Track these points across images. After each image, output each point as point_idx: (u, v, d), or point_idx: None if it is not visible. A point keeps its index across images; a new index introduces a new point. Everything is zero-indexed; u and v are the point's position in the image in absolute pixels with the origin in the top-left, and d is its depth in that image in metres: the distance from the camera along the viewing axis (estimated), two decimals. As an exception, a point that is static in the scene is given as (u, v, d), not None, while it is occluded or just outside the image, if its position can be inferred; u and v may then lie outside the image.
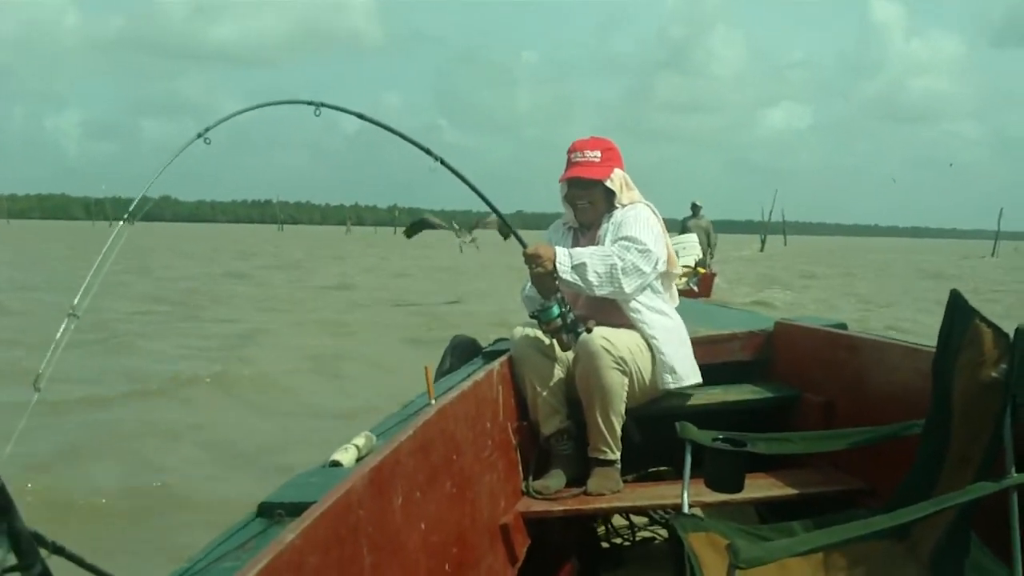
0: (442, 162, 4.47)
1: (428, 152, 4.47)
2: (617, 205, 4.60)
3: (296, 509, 2.37)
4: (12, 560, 1.08)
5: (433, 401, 3.54)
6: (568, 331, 4.29)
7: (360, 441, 3.09)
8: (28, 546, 1.09)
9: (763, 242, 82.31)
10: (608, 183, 4.56)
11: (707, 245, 23.85)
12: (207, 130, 4.08)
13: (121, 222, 3.80)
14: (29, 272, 32.62)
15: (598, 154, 4.58)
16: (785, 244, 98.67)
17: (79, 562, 1.34)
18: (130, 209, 3.87)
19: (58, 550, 1.19)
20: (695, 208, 24.08)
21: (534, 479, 4.31)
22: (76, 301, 3.41)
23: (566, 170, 4.63)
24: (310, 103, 4.34)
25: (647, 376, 4.42)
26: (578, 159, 4.60)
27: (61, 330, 3.27)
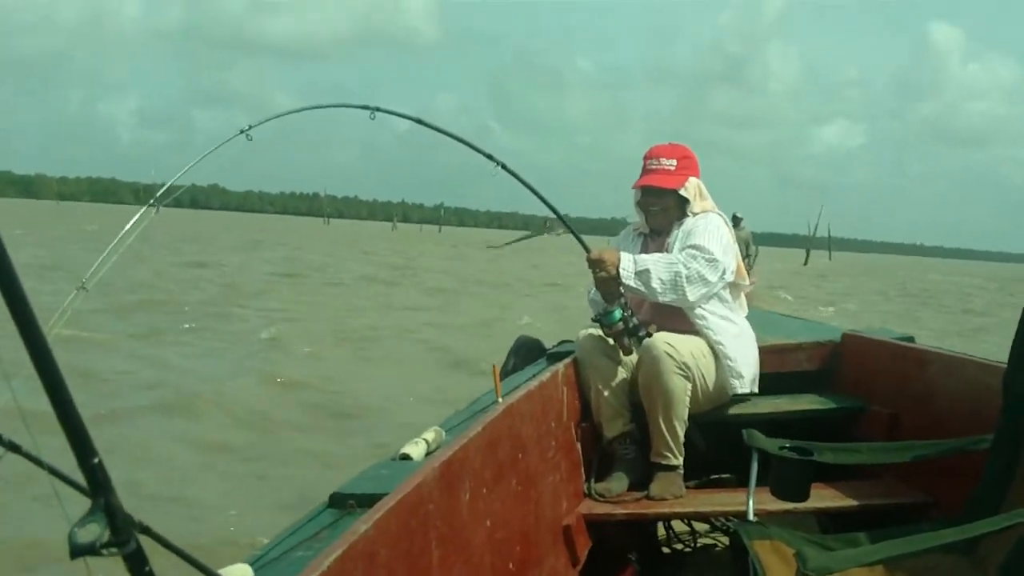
0: (503, 167, 4.48)
1: (490, 157, 4.49)
2: (689, 213, 4.57)
3: (367, 500, 2.39)
4: (107, 536, 1.10)
5: (500, 399, 3.56)
6: (630, 335, 4.29)
7: (429, 436, 3.12)
8: (123, 522, 1.11)
9: (807, 256, 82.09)
10: (682, 191, 4.54)
11: (746, 255, 23.90)
12: (250, 127, 4.13)
13: (145, 208, 3.84)
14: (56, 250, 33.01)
15: (674, 163, 4.56)
16: (830, 259, 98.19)
17: (164, 543, 1.36)
18: (157, 195, 3.91)
19: (144, 530, 1.21)
20: (736, 219, 24.21)
21: (596, 481, 4.31)
22: (87, 275, 3.47)
23: (641, 176, 4.61)
24: (365, 107, 4.35)
25: (711, 382, 4.40)
26: (653, 167, 4.57)
27: (68, 300, 3.33)
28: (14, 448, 1.30)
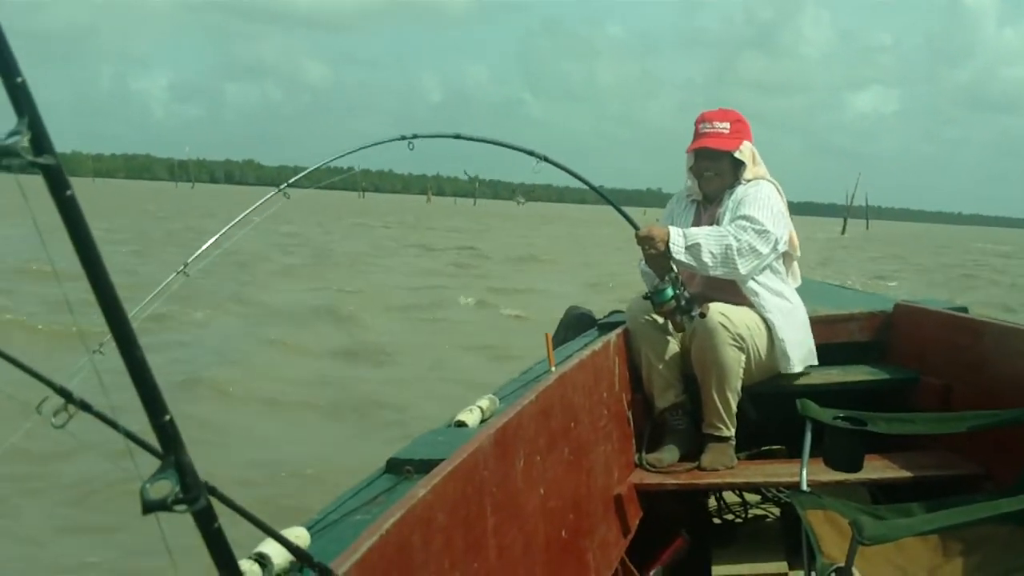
0: (546, 159, 4.48)
1: (531, 153, 4.49)
2: (742, 180, 4.54)
3: (424, 466, 2.41)
4: (178, 493, 1.12)
5: (553, 368, 3.57)
6: (683, 313, 4.28)
7: (484, 403, 3.14)
8: (192, 480, 1.13)
9: (844, 225, 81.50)
10: (737, 154, 4.51)
11: None
12: (288, 185, 4.31)
13: (274, 192, 3.95)
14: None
15: (727, 125, 4.52)
16: (867, 228, 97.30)
17: (230, 504, 1.38)
18: (289, 181, 4.04)
19: (211, 490, 1.22)
20: None
21: (647, 452, 4.33)
22: (190, 260, 3.52)
23: (694, 140, 4.57)
24: (402, 138, 4.39)
25: (764, 355, 4.39)
26: (707, 130, 4.53)
27: (165, 282, 3.39)
28: (85, 407, 1.32)
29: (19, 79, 0.93)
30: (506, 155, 4.55)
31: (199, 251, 3.72)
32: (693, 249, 4.26)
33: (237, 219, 3.78)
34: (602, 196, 4.69)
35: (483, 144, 4.62)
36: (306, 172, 4.38)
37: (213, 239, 3.81)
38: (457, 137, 4.53)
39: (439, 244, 34.85)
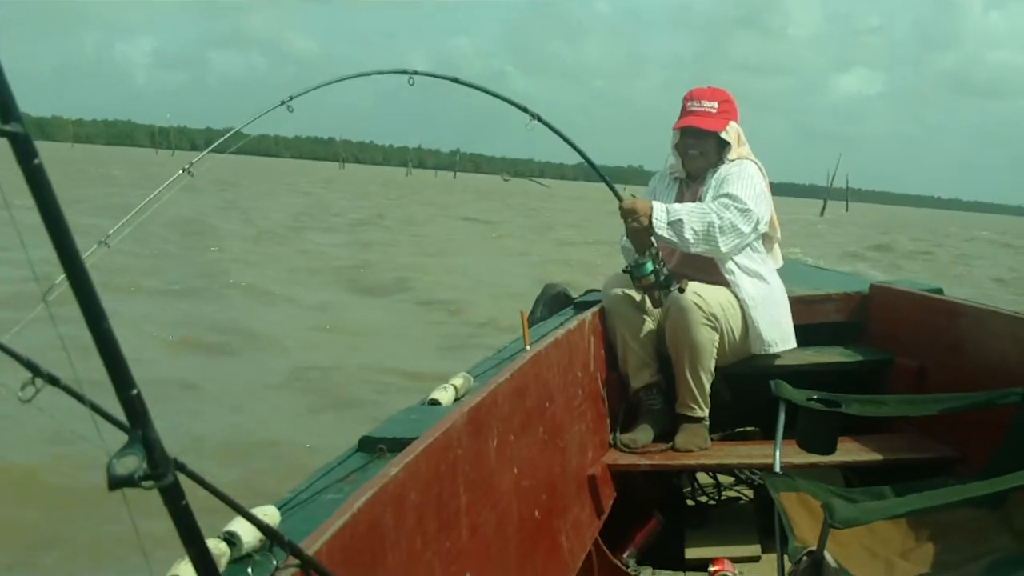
0: (539, 119, 4.43)
1: (524, 110, 4.44)
2: (725, 159, 4.53)
3: (397, 445, 2.40)
4: (145, 469, 1.10)
5: (528, 347, 3.57)
6: (661, 288, 4.26)
7: (458, 381, 3.13)
8: (160, 455, 1.11)
9: (824, 206, 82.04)
10: (723, 135, 4.50)
11: None
12: (291, 98, 4.10)
13: (179, 173, 3.82)
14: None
15: (715, 105, 4.51)
16: (847, 210, 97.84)
17: (198, 480, 1.37)
18: (192, 162, 3.87)
19: (180, 467, 1.21)
20: None
21: (622, 432, 4.33)
22: (111, 232, 3.46)
23: (681, 118, 4.55)
24: (403, 72, 4.33)
25: (738, 335, 4.40)
26: (695, 108, 4.52)
27: (87, 254, 3.34)
28: (53, 381, 1.30)
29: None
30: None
31: (117, 225, 3.63)
32: (675, 225, 4.25)
33: (150, 196, 3.66)
34: (589, 163, 4.63)
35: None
36: (262, 113, 4.16)
37: (129, 215, 3.70)
38: (455, 81, 4.47)
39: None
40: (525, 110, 4.42)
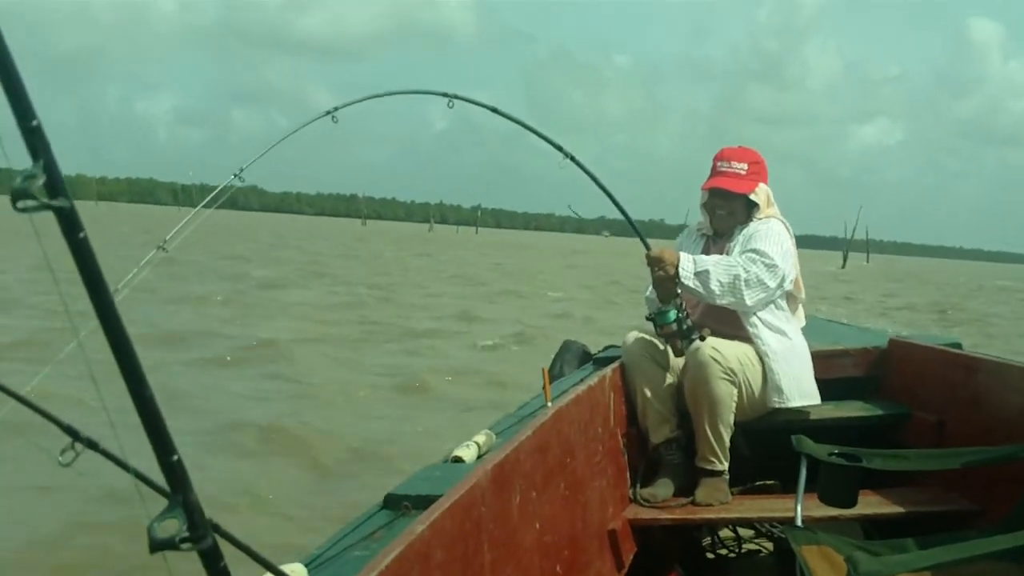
0: (572, 159, 4.45)
1: (560, 148, 4.46)
2: (754, 218, 4.54)
3: (422, 502, 2.42)
4: (185, 532, 1.13)
5: (549, 403, 3.58)
6: (683, 337, 4.27)
7: (481, 439, 3.15)
8: (200, 519, 1.14)
9: (845, 259, 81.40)
10: (752, 196, 4.52)
11: None
12: (336, 109, 4.19)
13: (224, 184, 3.85)
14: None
15: (745, 167, 4.52)
16: (867, 262, 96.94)
17: (234, 541, 1.39)
18: (239, 171, 3.91)
19: (215, 528, 1.23)
20: None
21: (642, 487, 4.32)
22: (168, 237, 3.50)
23: (710, 178, 4.57)
24: (444, 95, 4.37)
25: (757, 390, 4.39)
26: (724, 168, 4.54)
27: (147, 258, 3.38)
28: (92, 445, 1.33)
29: (34, 122, 0.94)
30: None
31: (173, 231, 3.65)
32: (702, 275, 4.25)
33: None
34: (618, 207, 4.61)
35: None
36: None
37: (183, 222, 3.73)
38: (494, 111, 4.52)
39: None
40: (560, 148, 4.46)
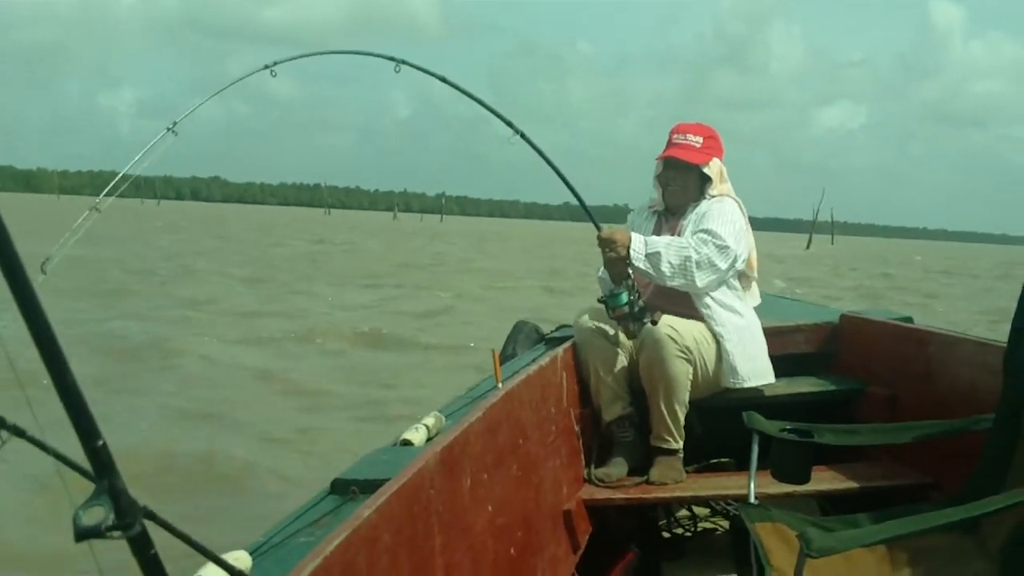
0: (522, 135, 4.41)
1: (509, 124, 4.41)
2: (707, 195, 4.54)
3: (369, 486, 2.39)
4: (112, 519, 1.09)
5: (500, 384, 3.56)
6: (635, 320, 4.26)
7: (430, 421, 3.12)
8: (128, 505, 1.10)
9: (809, 240, 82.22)
10: (705, 169, 4.51)
11: None
12: (275, 63, 4.15)
13: (144, 148, 3.79)
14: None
15: (700, 140, 4.53)
16: (832, 243, 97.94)
17: (168, 527, 1.35)
18: (171, 125, 3.87)
19: (149, 514, 1.20)
20: None
21: (596, 467, 4.31)
22: (100, 198, 3.44)
23: (666, 149, 4.57)
24: (391, 58, 4.30)
25: (712, 368, 4.39)
26: (679, 140, 4.54)
27: (80, 219, 3.31)
28: (19, 432, 1.29)
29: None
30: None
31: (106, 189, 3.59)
32: (653, 257, 4.26)
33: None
34: (569, 187, 4.57)
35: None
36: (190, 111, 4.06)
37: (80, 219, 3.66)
38: (443, 80, 4.45)
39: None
40: (510, 124, 4.41)
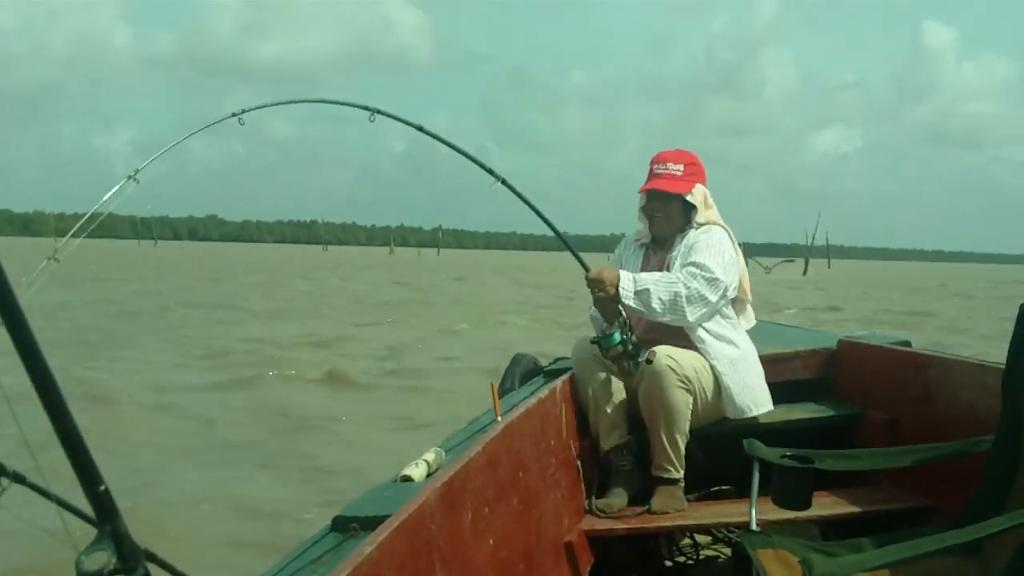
0: (503, 182, 4.42)
1: (490, 172, 4.43)
2: (694, 224, 4.54)
3: (371, 523, 2.39)
4: (115, 563, 1.10)
5: (499, 418, 3.56)
6: (629, 358, 4.26)
7: (430, 456, 3.12)
8: (131, 550, 1.11)
9: (806, 265, 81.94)
10: (689, 198, 4.52)
11: None
12: (243, 112, 4.12)
13: (125, 181, 3.81)
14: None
15: (681, 168, 4.53)
16: (829, 267, 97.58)
17: (171, 570, 1.36)
18: (140, 168, 3.87)
19: (150, 557, 1.21)
20: None
21: (597, 497, 4.30)
22: (59, 246, 3.44)
23: (647, 181, 4.57)
24: (365, 108, 4.28)
25: (711, 398, 4.39)
26: (660, 171, 4.54)
27: (40, 268, 3.32)
28: (19, 479, 1.30)
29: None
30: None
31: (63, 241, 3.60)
32: (642, 294, 4.25)
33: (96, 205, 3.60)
34: (554, 231, 4.60)
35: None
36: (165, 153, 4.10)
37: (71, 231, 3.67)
38: (420, 129, 4.43)
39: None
40: (491, 172, 4.42)
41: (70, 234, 3.68)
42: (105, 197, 3.84)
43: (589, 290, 4.32)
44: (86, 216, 3.77)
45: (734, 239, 4.56)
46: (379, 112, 4.29)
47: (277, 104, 4.35)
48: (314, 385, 13.64)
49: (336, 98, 4.33)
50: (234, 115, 4.14)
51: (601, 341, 4.27)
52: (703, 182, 4.60)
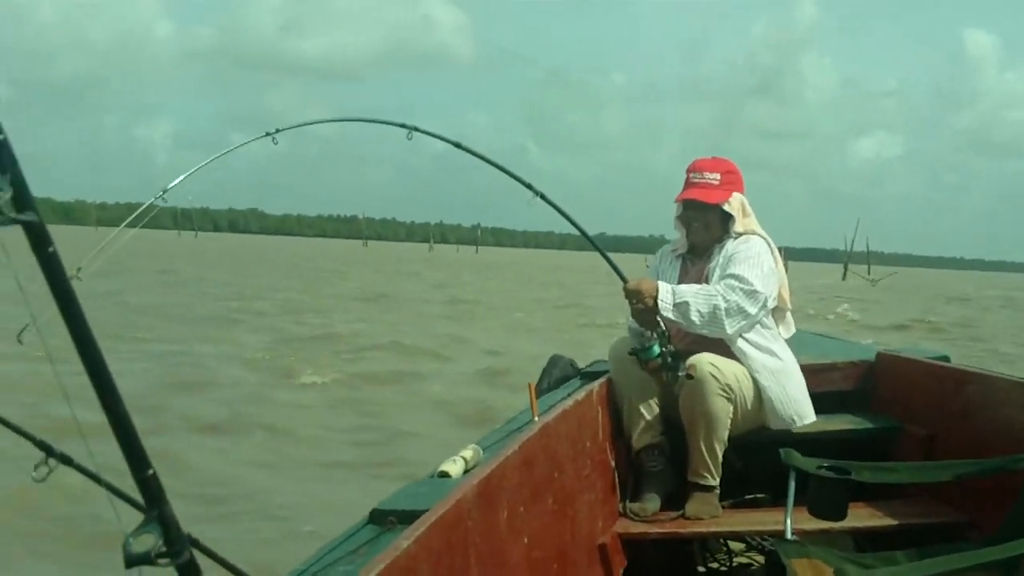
0: (542, 196, 4.39)
1: (528, 186, 4.39)
2: (731, 234, 4.51)
3: (408, 517, 2.40)
4: (161, 547, 1.11)
5: (536, 418, 3.57)
6: (669, 370, 4.23)
7: (468, 453, 3.14)
8: (176, 534, 1.13)
9: (845, 271, 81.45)
10: (726, 207, 4.48)
11: None
12: (277, 131, 4.15)
13: (153, 199, 3.84)
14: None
15: (718, 176, 4.48)
16: (869, 274, 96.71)
17: (213, 556, 1.38)
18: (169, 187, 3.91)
19: (193, 542, 1.22)
20: None
21: (631, 501, 4.30)
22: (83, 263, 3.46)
23: (683, 190, 4.54)
24: (403, 126, 4.27)
25: (751, 408, 4.35)
26: (696, 180, 4.51)
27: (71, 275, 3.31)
28: (66, 461, 1.32)
29: (0, 136, 0.93)
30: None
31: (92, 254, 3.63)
32: (681, 307, 4.22)
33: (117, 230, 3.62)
34: (592, 244, 4.58)
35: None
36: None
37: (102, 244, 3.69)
38: (457, 146, 4.39)
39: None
40: (529, 186, 4.38)
41: (99, 248, 3.68)
42: (132, 216, 3.89)
43: (627, 301, 4.30)
44: (113, 234, 3.79)
45: (773, 247, 4.52)
46: (416, 130, 4.26)
47: (312, 123, 4.38)
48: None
49: (372, 116, 4.33)
50: (268, 134, 4.16)
51: (640, 353, 4.24)
52: (740, 190, 4.55)
